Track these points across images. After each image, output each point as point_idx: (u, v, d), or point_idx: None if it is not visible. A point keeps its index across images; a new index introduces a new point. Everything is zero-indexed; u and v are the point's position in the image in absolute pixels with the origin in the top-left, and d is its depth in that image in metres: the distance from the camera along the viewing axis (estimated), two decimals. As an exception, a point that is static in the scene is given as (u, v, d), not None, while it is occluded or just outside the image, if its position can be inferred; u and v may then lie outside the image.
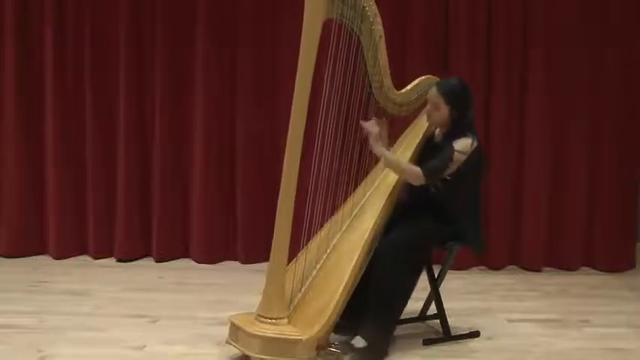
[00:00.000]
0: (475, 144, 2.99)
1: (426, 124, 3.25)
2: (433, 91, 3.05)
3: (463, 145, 2.96)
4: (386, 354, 2.91)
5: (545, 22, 4.36)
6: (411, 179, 3.00)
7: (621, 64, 4.40)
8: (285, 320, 2.73)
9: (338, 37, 2.78)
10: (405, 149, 3.24)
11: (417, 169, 2.96)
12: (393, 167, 3.06)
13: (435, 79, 3.24)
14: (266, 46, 4.42)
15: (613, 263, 4.50)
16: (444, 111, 3.03)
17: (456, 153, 2.95)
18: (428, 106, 3.11)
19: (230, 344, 2.78)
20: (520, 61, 4.41)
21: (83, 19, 4.45)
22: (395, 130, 3.34)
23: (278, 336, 2.65)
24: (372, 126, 3.01)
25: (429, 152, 3.13)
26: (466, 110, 3.04)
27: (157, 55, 4.46)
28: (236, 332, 2.75)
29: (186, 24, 4.45)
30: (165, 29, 4.43)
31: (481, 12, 4.37)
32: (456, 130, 3.03)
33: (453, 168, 2.97)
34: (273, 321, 2.71)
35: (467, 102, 3.05)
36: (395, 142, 3.34)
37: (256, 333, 2.66)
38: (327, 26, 2.71)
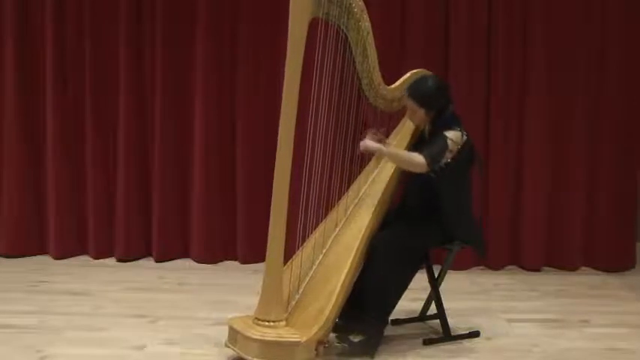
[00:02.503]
0: (464, 137, 3.00)
1: None
2: (405, 95, 3.07)
3: (454, 135, 2.97)
4: (375, 349, 2.92)
5: (545, 22, 4.36)
6: (414, 168, 2.98)
7: (621, 64, 4.40)
8: (283, 322, 2.72)
9: (325, 36, 2.78)
10: (397, 144, 3.22)
11: (419, 157, 2.92)
12: (395, 160, 3.05)
13: (424, 72, 3.23)
14: (266, 46, 4.41)
15: (613, 263, 4.49)
16: (419, 113, 3.05)
17: (449, 140, 2.95)
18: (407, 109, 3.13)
19: (229, 348, 2.78)
20: (520, 61, 4.41)
21: (83, 19, 4.45)
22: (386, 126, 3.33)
23: (276, 339, 2.64)
24: (365, 143, 3.02)
25: (422, 146, 3.13)
26: (443, 107, 3.05)
27: (157, 55, 4.45)
28: (235, 336, 2.75)
29: (186, 24, 4.45)
30: (165, 29, 4.43)
31: (481, 12, 4.36)
32: (439, 125, 3.04)
33: (449, 156, 2.97)
34: (271, 324, 2.70)
35: (441, 100, 3.05)
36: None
37: (254, 337, 2.66)
38: (313, 25, 2.71)
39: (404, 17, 4.39)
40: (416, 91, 3.03)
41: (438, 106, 3.03)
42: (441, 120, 3.04)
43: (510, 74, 4.40)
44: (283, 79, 4.11)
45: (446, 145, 2.94)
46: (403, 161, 3.02)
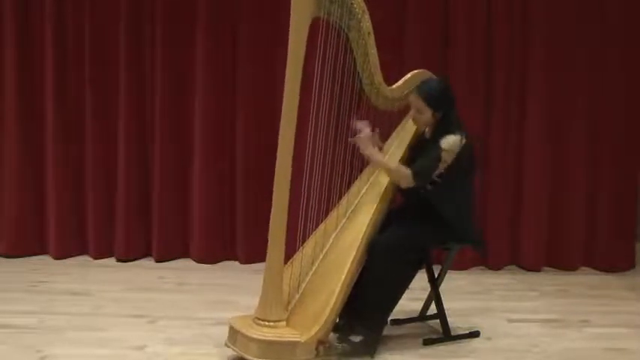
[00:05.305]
0: (464, 140, 2.98)
1: None
2: (414, 96, 3.05)
3: (451, 142, 2.94)
4: (375, 349, 2.93)
5: (545, 23, 4.36)
6: (399, 181, 3.00)
7: (621, 64, 4.40)
8: (283, 322, 2.73)
9: (326, 36, 2.79)
10: (397, 147, 3.22)
11: (407, 171, 2.95)
12: (384, 169, 3.08)
13: (427, 72, 3.23)
14: (266, 46, 4.41)
15: (613, 263, 4.49)
16: (427, 114, 3.03)
17: (443, 152, 2.94)
18: (412, 110, 3.11)
19: (229, 347, 2.78)
20: (520, 61, 4.41)
21: (83, 19, 4.45)
22: (386, 126, 3.34)
23: (276, 339, 2.65)
24: (364, 125, 3.03)
25: (420, 150, 3.12)
26: (449, 109, 3.03)
27: (157, 55, 4.45)
28: (234, 335, 2.75)
29: (186, 24, 4.44)
30: (165, 29, 4.43)
31: (481, 12, 4.36)
32: (441, 127, 3.03)
33: (441, 168, 2.96)
34: (271, 323, 2.71)
35: (448, 102, 3.04)
36: (387, 140, 3.33)
37: (254, 336, 2.66)
38: (315, 25, 2.71)
39: (404, 17, 4.39)
40: (425, 92, 3.01)
41: (444, 108, 3.02)
42: (443, 123, 3.03)
43: (510, 74, 4.40)
44: (283, 79, 4.11)
45: (438, 159, 2.94)
46: (390, 171, 3.04)
